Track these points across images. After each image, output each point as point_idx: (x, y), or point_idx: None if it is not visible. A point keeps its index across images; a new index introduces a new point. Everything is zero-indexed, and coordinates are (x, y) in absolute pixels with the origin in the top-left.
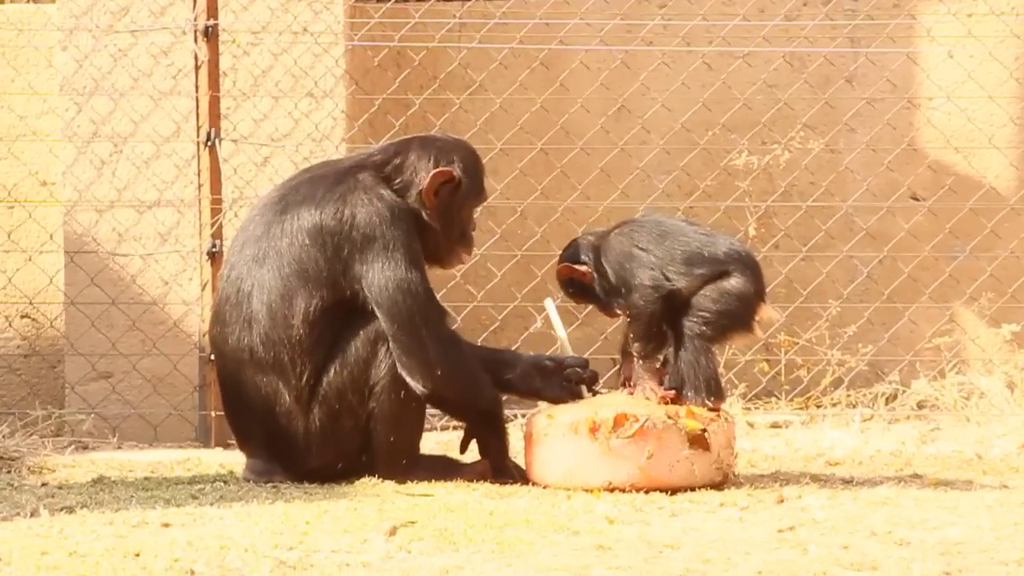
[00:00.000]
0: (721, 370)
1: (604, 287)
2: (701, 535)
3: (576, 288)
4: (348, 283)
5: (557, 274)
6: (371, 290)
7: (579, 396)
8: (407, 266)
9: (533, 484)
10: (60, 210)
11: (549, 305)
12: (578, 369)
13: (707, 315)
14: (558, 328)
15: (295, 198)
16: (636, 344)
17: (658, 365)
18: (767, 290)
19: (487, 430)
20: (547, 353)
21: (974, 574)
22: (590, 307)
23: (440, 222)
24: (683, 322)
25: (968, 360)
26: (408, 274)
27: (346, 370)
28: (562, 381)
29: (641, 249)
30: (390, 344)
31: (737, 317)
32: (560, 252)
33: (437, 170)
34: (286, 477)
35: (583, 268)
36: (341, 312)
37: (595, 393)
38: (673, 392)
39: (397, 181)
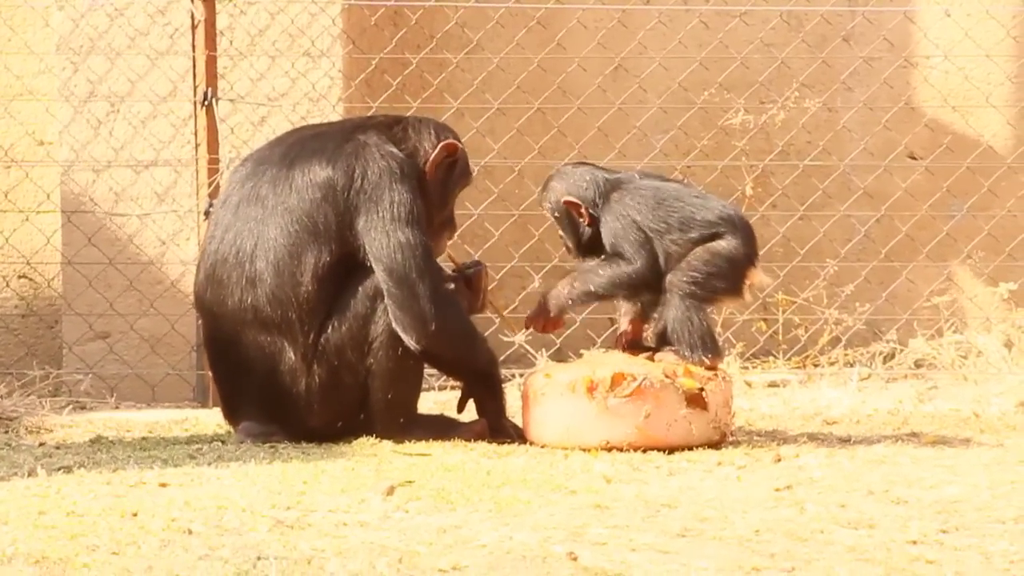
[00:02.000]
0: (718, 329)
1: (589, 234)
2: (698, 494)
3: (565, 217)
4: (354, 237)
5: (560, 197)
6: (372, 245)
7: (483, 294)
8: (408, 223)
9: (530, 443)
10: (57, 170)
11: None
12: (479, 268)
13: (697, 275)
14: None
15: (302, 154)
16: (578, 288)
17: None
18: (761, 252)
19: (484, 389)
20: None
21: (971, 532)
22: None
23: (436, 197)
24: (672, 282)
25: (966, 319)
26: (408, 231)
27: (345, 326)
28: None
29: (639, 226)
30: (386, 299)
31: (726, 279)
32: (559, 174)
33: (446, 142)
34: (285, 437)
35: (587, 211)
36: (345, 268)
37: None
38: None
39: (403, 146)
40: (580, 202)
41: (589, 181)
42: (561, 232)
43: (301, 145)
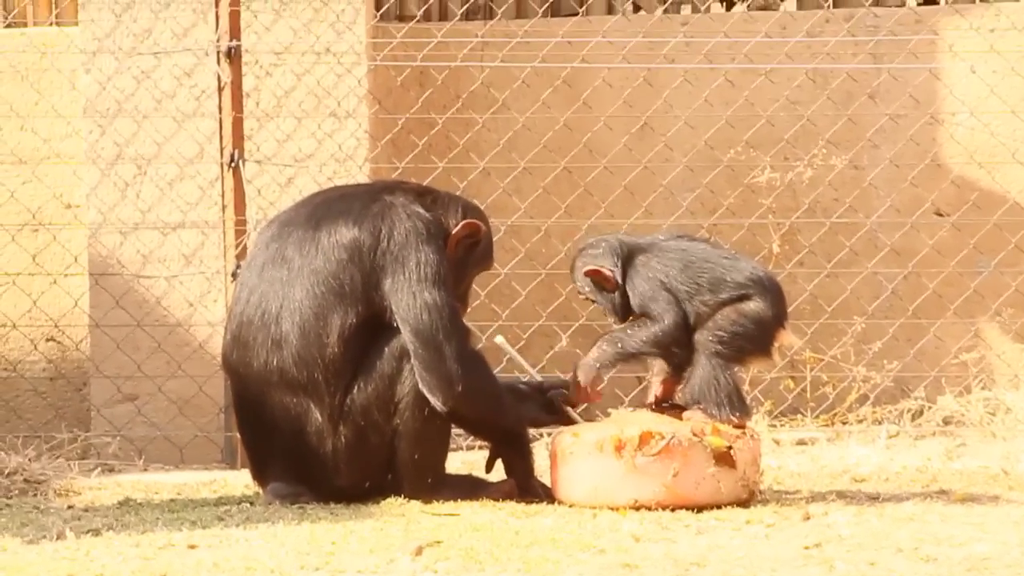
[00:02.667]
0: (746, 387)
1: (620, 300)
2: (727, 552)
3: (595, 289)
4: (380, 297)
5: (584, 273)
6: (398, 305)
7: (561, 418)
8: (435, 284)
9: (559, 503)
10: (84, 233)
11: (502, 342)
12: (563, 391)
13: (723, 335)
14: (521, 361)
15: (328, 215)
16: (607, 350)
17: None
18: (789, 310)
19: (512, 449)
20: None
21: None
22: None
23: (453, 274)
24: (699, 341)
25: (994, 375)
26: (435, 291)
27: (371, 386)
28: (541, 404)
29: (666, 286)
30: (412, 360)
31: (754, 340)
32: (580, 247)
33: (468, 220)
34: (312, 498)
35: (609, 274)
36: (371, 328)
37: (579, 414)
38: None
39: (430, 213)
40: (600, 268)
41: (606, 247)
42: (601, 306)
43: (327, 206)
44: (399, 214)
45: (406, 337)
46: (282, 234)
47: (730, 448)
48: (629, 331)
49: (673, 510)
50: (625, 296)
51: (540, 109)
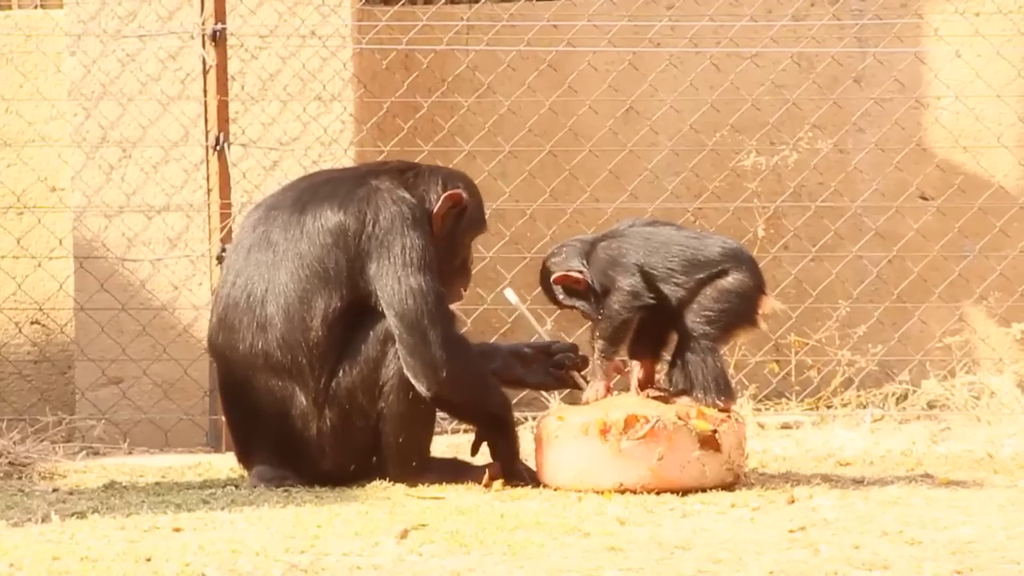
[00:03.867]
0: (731, 371)
1: (596, 298)
2: (712, 536)
3: (569, 294)
4: (365, 282)
5: (553, 281)
6: (383, 290)
7: (566, 382)
8: (420, 269)
9: (544, 486)
10: (69, 216)
11: (510, 295)
12: (570, 354)
13: (710, 314)
14: (529, 317)
15: (314, 199)
16: (600, 343)
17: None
18: (773, 294)
19: (496, 433)
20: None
21: (985, 573)
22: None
23: (444, 247)
24: (687, 323)
25: (978, 359)
26: (420, 276)
27: (356, 370)
28: (547, 367)
29: (625, 257)
30: (397, 345)
31: (740, 313)
32: (545, 260)
33: (448, 192)
34: (297, 481)
35: (578, 275)
36: (356, 312)
37: (584, 379)
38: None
39: (413, 193)
40: (567, 272)
41: (568, 251)
42: (582, 312)
43: (313, 190)
44: (384, 199)
45: (391, 322)
46: (268, 217)
47: (715, 432)
48: (606, 310)
49: (658, 493)
50: (600, 293)
51: (525, 93)
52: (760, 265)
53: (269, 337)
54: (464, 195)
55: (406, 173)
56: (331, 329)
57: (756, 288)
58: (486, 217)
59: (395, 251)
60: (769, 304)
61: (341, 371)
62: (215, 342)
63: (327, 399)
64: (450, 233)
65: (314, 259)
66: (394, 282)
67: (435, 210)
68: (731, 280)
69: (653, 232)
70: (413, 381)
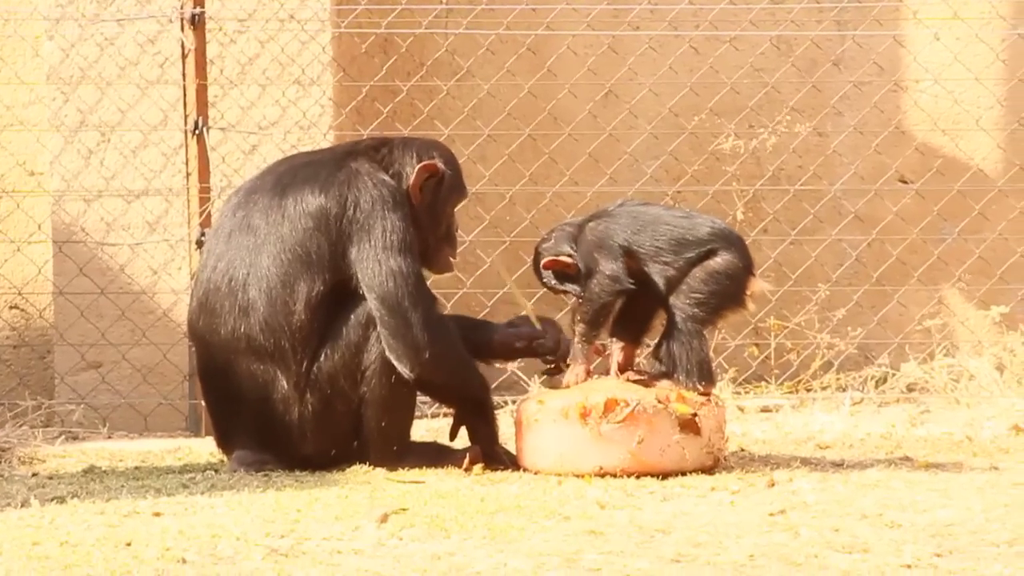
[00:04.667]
0: (712, 354)
1: (583, 277)
2: (692, 519)
3: (561, 279)
4: (347, 266)
5: (542, 267)
6: (364, 273)
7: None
8: (400, 251)
9: (524, 470)
10: (48, 200)
11: (502, 269)
12: (548, 345)
13: (699, 296)
14: (516, 293)
15: (294, 182)
16: (581, 326)
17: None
18: (755, 264)
19: (476, 416)
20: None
21: (965, 555)
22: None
23: (426, 218)
24: (675, 305)
25: (957, 342)
26: (400, 259)
27: (337, 354)
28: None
29: (611, 238)
30: (379, 328)
31: (729, 295)
32: (536, 245)
33: (422, 164)
34: (278, 465)
35: (568, 259)
36: (337, 296)
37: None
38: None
39: (390, 170)
40: (557, 257)
41: (558, 235)
42: (576, 296)
43: (293, 174)
44: (364, 182)
45: (372, 305)
46: (248, 201)
47: (695, 415)
48: (587, 293)
49: (638, 477)
50: (586, 276)
51: (505, 76)
52: None
53: (251, 321)
54: (439, 164)
55: (380, 150)
56: (314, 313)
57: (745, 269)
58: (465, 183)
59: (375, 234)
60: (757, 285)
61: (323, 355)
62: (196, 326)
63: (308, 383)
64: (430, 204)
65: (296, 243)
66: (375, 265)
67: (411, 182)
68: (720, 261)
69: (642, 211)
70: (396, 363)
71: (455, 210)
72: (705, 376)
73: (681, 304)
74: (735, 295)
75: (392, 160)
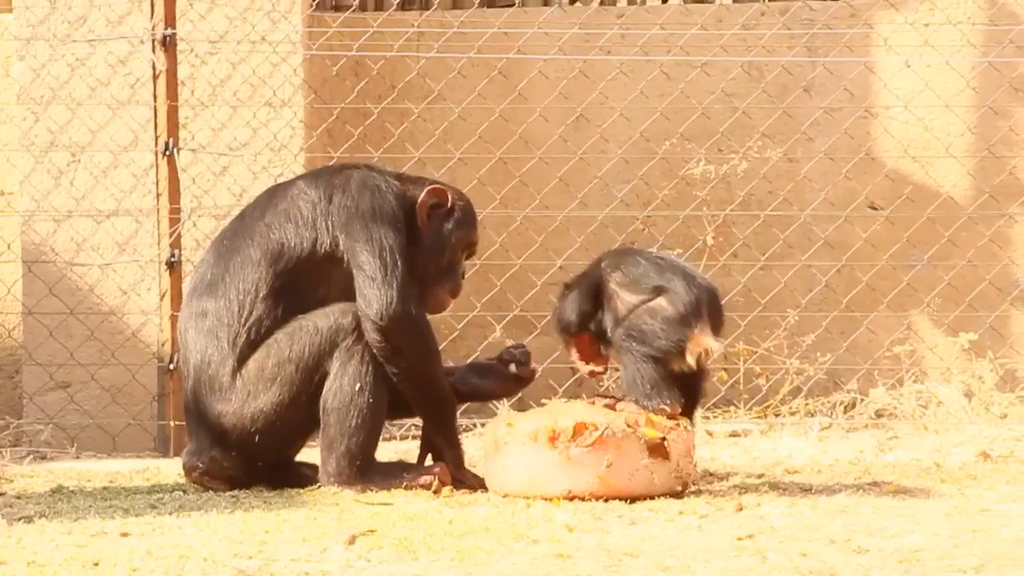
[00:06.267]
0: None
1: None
2: (660, 543)
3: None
4: (331, 251)
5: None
6: (353, 243)
7: (517, 382)
8: (383, 222)
9: (493, 493)
10: (17, 220)
11: None
12: (513, 351)
13: (635, 332)
14: None
15: (288, 183)
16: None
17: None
18: (722, 303)
19: (441, 438)
20: None
21: None
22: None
23: (429, 245)
24: (616, 335)
25: (926, 369)
26: (383, 231)
27: (297, 351)
28: (501, 374)
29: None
30: (356, 284)
31: (663, 339)
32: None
33: (433, 187)
34: (228, 462)
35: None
36: (308, 295)
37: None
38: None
39: (399, 184)
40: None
41: (579, 308)
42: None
43: (288, 185)
44: (354, 176)
45: (356, 275)
46: (243, 215)
47: (664, 439)
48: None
49: (607, 501)
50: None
51: (476, 100)
52: (709, 274)
53: (210, 314)
54: (449, 193)
55: (395, 173)
56: (276, 302)
57: (690, 318)
58: (477, 229)
59: (366, 218)
60: (703, 341)
61: (283, 352)
62: (183, 331)
63: (258, 381)
64: (437, 232)
65: (274, 231)
66: (364, 236)
67: (419, 200)
68: (663, 303)
69: (639, 251)
70: (365, 312)
71: (462, 254)
72: (665, 395)
73: (621, 335)
74: (673, 342)
75: (404, 179)
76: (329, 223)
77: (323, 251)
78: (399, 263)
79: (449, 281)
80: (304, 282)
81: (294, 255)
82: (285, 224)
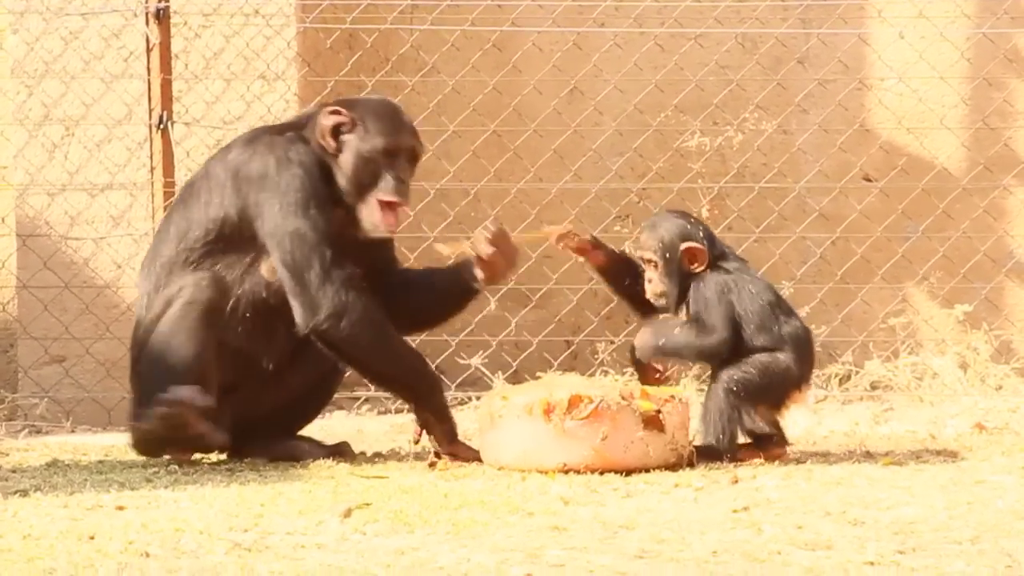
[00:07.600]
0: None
1: (678, 289)
2: (656, 516)
3: (671, 266)
4: (248, 226)
5: (675, 242)
6: (265, 236)
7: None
8: (297, 211)
9: (488, 466)
10: (12, 193)
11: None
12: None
13: (746, 378)
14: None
15: (210, 162)
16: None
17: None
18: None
19: (429, 412)
20: None
21: (928, 553)
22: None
23: (346, 166)
24: (723, 372)
25: (921, 340)
26: (298, 218)
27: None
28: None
29: (733, 305)
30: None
31: (771, 393)
32: (676, 216)
33: (328, 108)
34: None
35: (701, 256)
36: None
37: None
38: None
39: (304, 131)
40: (703, 248)
41: (704, 232)
42: (653, 277)
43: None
44: (263, 147)
45: (277, 269)
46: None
47: (659, 412)
48: (677, 331)
49: (602, 473)
50: (685, 288)
51: (469, 72)
52: None
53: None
54: (343, 110)
55: (307, 121)
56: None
57: (800, 378)
58: (392, 128)
59: (273, 196)
60: (803, 397)
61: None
62: None
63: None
64: (349, 151)
65: (202, 194)
66: (271, 225)
67: (318, 131)
68: (781, 359)
69: (766, 287)
70: (298, 324)
71: (383, 161)
72: (724, 446)
73: (727, 375)
74: (778, 396)
75: (315, 123)
76: (237, 205)
77: (232, 228)
78: (314, 248)
79: (372, 194)
80: (227, 254)
81: (202, 233)
82: (194, 204)
